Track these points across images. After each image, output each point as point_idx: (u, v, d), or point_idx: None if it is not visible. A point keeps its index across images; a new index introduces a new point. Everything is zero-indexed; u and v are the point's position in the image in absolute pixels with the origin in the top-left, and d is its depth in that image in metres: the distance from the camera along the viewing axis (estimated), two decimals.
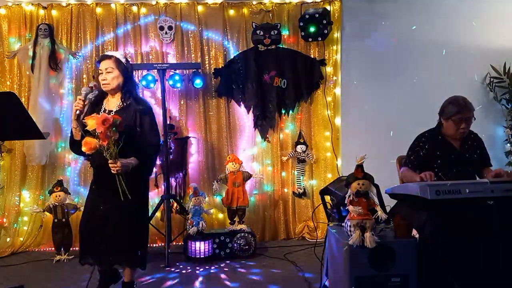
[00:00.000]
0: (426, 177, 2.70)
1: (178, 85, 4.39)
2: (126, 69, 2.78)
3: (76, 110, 2.67)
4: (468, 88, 4.34)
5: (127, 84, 2.78)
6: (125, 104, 2.74)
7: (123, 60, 2.78)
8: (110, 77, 2.72)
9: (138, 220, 2.79)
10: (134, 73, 4.34)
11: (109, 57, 2.76)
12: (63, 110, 4.49)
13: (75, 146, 2.78)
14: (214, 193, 4.46)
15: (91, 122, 2.46)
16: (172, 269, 3.70)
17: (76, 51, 4.47)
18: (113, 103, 2.78)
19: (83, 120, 2.55)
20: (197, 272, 3.64)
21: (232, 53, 4.61)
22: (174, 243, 4.22)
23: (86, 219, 2.79)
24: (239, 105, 4.63)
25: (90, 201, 2.81)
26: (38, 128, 2.58)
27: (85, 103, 2.70)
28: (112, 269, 2.94)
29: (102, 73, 2.73)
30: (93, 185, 2.83)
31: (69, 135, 2.83)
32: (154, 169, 4.41)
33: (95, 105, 2.78)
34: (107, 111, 2.74)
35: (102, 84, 2.74)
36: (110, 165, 2.51)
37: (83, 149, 2.49)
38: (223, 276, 3.55)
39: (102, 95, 2.82)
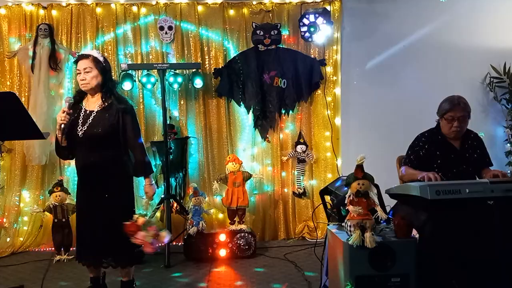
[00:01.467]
0: (430, 178, 2.68)
1: (178, 84, 4.38)
2: (104, 68, 2.75)
3: (61, 124, 2.63)
4: (468, 88, 4.35)
5: (107, 83, 2.75)
6: (106, 103, 2.73)
7: (101, 59, 2.75)
8: (89, 77, 2.69)
9: (126, 219, 2.79)
10: (134, 74, 4.41)
11: (87, 56, 2.73)
12: None
13: (60, 151, 2.77)
14: (214, 193, 4.46)
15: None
16: (172, 269, 3.70)
17: (76, 51, 4.47)
18: (93, 103, 2.76)
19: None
20: (197, 272, 3.64)
21: (232, 53, 4.61)
22: (174, 243, 4.22)
23: (79, 220, 2.81)
24: (239, 105, 4.63)
25: (79, 202, 2.83)
26: (38, 128, 2.57)
27: (70, 114, 2.67)
28: (103, 278, 2.94)
29: (80, 73, 2.70)
30: (79, 185, 2.83)
31: (55, 140, 2.79)
32: (155, 169, 4.43)
33: (75, 105, 2.76)
34: (87, 111, 2.73)
35: (81, 84, 2.71)
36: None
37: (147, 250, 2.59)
38: (223, 276, 3.55)
39: (80, 96, 2.80)
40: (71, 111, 2.68)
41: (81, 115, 2.72)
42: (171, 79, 4.33)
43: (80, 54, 2.92)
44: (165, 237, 2.71)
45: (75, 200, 4.21)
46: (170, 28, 4.49)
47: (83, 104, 2.78)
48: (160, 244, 2.83)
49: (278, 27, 4.52)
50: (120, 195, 2.66)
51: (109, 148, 2.66)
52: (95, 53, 2.77)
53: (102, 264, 2.80)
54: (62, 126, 2.63)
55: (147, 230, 2.59)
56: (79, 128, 2.68)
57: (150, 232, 2.60)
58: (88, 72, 2.69)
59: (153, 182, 2.84)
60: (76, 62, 2.76)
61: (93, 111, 2.72)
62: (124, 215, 2.74)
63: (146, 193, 2.84)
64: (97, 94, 2.76)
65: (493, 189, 2.37)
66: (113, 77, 2.87)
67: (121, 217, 2.70)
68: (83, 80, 2.70)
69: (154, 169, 4.41)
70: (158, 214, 4.26)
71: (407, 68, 4.63)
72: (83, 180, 2.78)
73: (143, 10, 4.53)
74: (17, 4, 4.45)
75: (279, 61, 4.56)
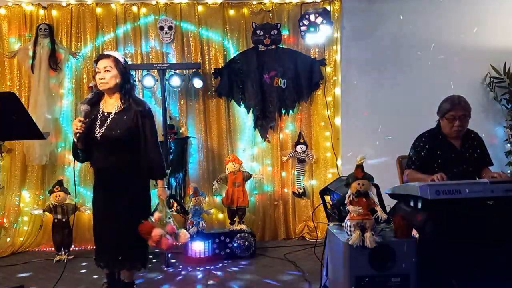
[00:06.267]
0: (438, 179, 2.70)
1: (178, 85, 4.38)
2: (124, 69, 2.72)
3: (77, 133, 2.59)
4: (468, 88, 4.34)
5: (126, 85, 2.72)
6: (124, 105, 2.70)
7: (122, 60, 2.73)
8: (108, 76, 2.65)
9: (141, 221, 2.80)
10: (134, 74, 4.41)
11: (108, 56, 2.71)
12: (63, 110, 4.49)
13: (77, 154, 2.73)
14: (214, 193, 4.46)
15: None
16: (172, 269, 3.70)
17: (76, 51, 4.47)
18: (111, 104, 2.73)
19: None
20: (197, 272, 3.64)
21: (232, 53, 4.61)
22: (174, 243, 4.21)
23: (96, 222, 2.80)
24: (239, 105, 4.63)
25: (96, 203, 2.81)
26: (38, 128, 2.57)
27: (86, 122, 2.63)
28: (119, 274, 2.94)
29: (100, 72, 2.67)
30: (96, 187, 2.82)
31: (72, 145, 2.77)
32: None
33: (92, 107, 2.73)
34: (105, 113, 2.69)
35: (100, 83, 2.67)
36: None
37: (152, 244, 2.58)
38: (223, 276, 3.55)
39: (98, 97, 2.77)
40: (87, 120, 2.64)
41: (99, 117, 2.68)
42: (171, 79, 4.33)
43: (101, 53, 2.88)
44: (185, 235, 2.74)
45: (75, 200, 4.27)
46: (170, 28, 4.49)
47: (101, 105, 2.74)
48: (179, 243, 2.82)
49: (278, 27, 4.52)
50: (136, 198, 2.65)
51: (126, 150, 2.64)
52: (116, 54, 2.74)
53: (115, 265, 2.81)
54: (78, 135, 2.59)
55: (164, 227, 2.60)
56: (97, 130, 2.65)
57: (167, 229, 2.61)
58: (107, 71, 2.65)
59: (166, 185, 2.81)
60: (96, 61, 2.73)
61: (111, 113, 2.68)
62: (140, 218, 2.74)
63: (159, 196, 2.78)
64: (115, 95, 2.73)
65: (493, 189, 2.37)
66: (132, 80, 2.80)
67: (136, 220, 2.70)
68: (102, 79, 2.66)
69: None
70: None
71: (407, 68, 4.63)
72: (100, 182, 2.77)
73: (143, 10, 4.53)
74: (17, 4, 4.45)
75: (279, 61, 4.56)
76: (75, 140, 2.64)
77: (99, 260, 2.79)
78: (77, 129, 2.58)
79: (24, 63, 4.41)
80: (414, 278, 2.40)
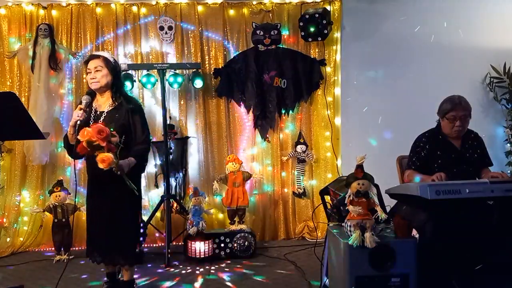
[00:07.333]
0: (438, 178, 2.71)
1: (178, 84, 4.38)
2: (114, 68, 2.79)
3: (77, 120, 2.65)
4: (468, 88, 4.35)
5: (116, 83, 2.80)
6: (116, 103, 2.76)
7: (111, 60, 2.80)
8: (99, 75, 2.72)
9: (132, 219, 2.81)
10: (134, 74, 4.41)
11: (97, 56, 2.78)
12: (63, 110, 4.49)
13: (71, 151, 2.74)
14: (214, 193, 4.46)
15: (84, 135, 2.40)
16: (172, 269, 3.70)
17: (76, 51, 4.47)
18: (102, 103, 2.79)
19: (78, 136, 2.46)
20: (197, 272, 3.64)
21: (232, 53, 4.61)
22: (174, 243, 4.21)
23: (89, 219, 2.84)
24: (239, 105, 4.63)
25: (89, 204, 2.86)
26: (38, 128, 2.57)
27: (86, 111, 2.71)
28: (119, 273, 2.96)
29: (90, 72, 2.74)
30: (89, 184, 2.86)
31: (64, 138, 2.82)
32: (155, 169, 4.44)
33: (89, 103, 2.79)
34: (98, 112, 2.75)
35: (91, 83, 2.75)
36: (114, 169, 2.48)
37: (101, 166, 2.41)
38: (223, 276, 3.55)
39: (91, 97, 2.83)
40: (87, 109, 2.72)
41: (92, 115, 2.75)
42: (171, 79, 4.33)
43: (91, 54, 2.97)
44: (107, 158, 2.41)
45: (75, 200, 4.27)
46: (170, 28, 4.49)
47: (93, 105, 2.81)
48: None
49: (278, 27, 4.52)
50: (127, 196, 2.66)
51: (122, 148, 2.66)
52: (106, 54, 2.82)
53: (111, 263, 2.85)
54: (78, 122, 2.65)
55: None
56: None
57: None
58: (98, 71, 2.73)
59: (131, 164, 2.62)
60: (86, 62, 2.80)
61: (103, 111, 2.75)
62: (130, 216, 2.76)
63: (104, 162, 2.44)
64: (107, 93, 2.79)
65: (493, 189, 2.37)
66: (122, 79, 2.88)
67: (127, 218, 2.72)
68: (93, 78, 2.73)
69: (155, 170, 4.43)
70: (158, 214, 4.27)
71: (407, 68, 4.63)
72: (93, 180, 2.80)
73: (143, 10, 4.53)
74: (17, 4, 4.45)
75: (279, 61, 4.56)
76: (71, 132, 2.70)
77: (92, 255, 2.83)
78: (78, 116, 2.64)
79: (24, 63, 4.40)
80: (414, 278, 2.40)
